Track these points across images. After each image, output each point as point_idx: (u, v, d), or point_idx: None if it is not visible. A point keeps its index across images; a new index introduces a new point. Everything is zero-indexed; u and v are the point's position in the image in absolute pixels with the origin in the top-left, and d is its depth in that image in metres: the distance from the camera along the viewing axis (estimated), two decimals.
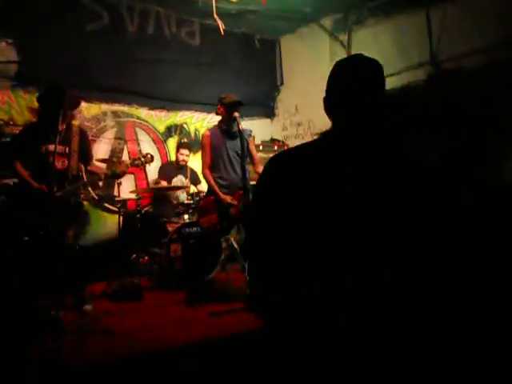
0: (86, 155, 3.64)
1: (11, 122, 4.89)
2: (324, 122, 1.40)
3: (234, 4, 5.19)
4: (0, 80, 4.91)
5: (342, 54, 6.09)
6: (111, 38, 5.55)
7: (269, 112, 7.04)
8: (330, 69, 1.42)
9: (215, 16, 4.47)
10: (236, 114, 3.69)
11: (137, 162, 3.61)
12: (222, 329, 3.03)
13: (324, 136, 1.37)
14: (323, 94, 1.41)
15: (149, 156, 3.64)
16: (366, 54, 1.41)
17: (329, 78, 1.40)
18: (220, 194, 3.88)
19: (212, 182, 3.93)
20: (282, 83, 7.08)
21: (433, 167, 1.32)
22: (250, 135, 4.10)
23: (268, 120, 7.04)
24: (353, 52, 5.97)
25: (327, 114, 1.39)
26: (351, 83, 1.34)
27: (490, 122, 4.24)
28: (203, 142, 4.03)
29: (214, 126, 4.14)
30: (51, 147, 3.29)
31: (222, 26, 4.59)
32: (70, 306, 3.49)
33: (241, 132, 3.61)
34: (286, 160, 1.36)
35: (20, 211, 3.40)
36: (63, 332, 3.02)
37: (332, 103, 1.38)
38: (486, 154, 4.22)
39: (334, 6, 5.75)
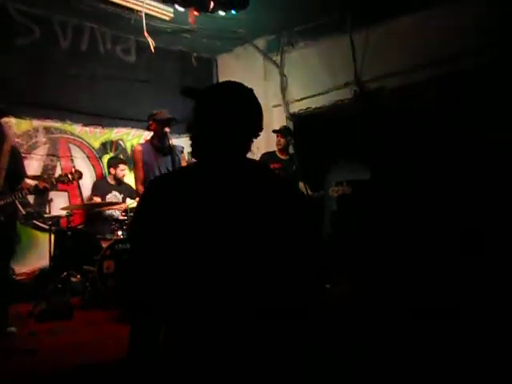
0: (16, 174, 3.49)
1: None
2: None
3: (168, 22, 5.29)
4: None
5: (275, 74, 6.34)
6: (43, 53, 5.45)
7: None
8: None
9: (146, 34, 4.53)
10: (167, 130, 3.75)
11: (63, 178, 3.52)
12: None
13: (198, 164, 1.41)
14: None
15: (76, 172, 3.57)
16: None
17: (196, 106, 1.39)
18: None
19: None
20: None
21: (289, 186, 1.49)
22: (182, 151, 4.16)
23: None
24: (285, 71, 6.24)
25: (195, 142, 1.41)
26: (219, 119, 1.34)
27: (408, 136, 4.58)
28: (135, 157, 4.05)
29: (146, 141, 4.18)
30: None
31: (152, 44, 4.67)
32: None
33: (172, 148, 3.67)
34: (162, 183, 1.38)
35: None
36: None
37: (200, 130, 1.39)
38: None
39: (267, 27, 5.98)
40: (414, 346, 2.79)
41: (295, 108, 6.20)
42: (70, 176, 3.51)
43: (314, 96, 5.78)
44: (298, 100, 6.10)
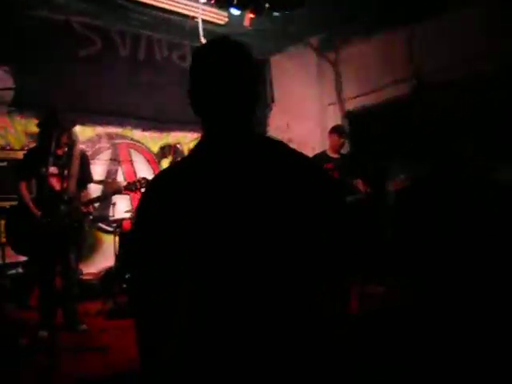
0: (84, 178, 3.73)
1: (8, 147, 5.01)
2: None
3: (223, 27, 5.36)
4: None
5: (329, 72, 6.26)
6: (104, 63, 5.69)
7: (261, 129, 7.17)
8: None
9: (202, 40, 4.61)
10: None
11: (131, 186, 3.68)
12: None
13: (198, 148, 1.19)
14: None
15: (143, 181, 3.71)
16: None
17: (189, 70, 1.18)
18: None
19: None
20: (273, 101, 7.23)
21: (312, 166, 1.18)
22: None
23: None
24: (340, 69, 6.15)
25: (194, 113, 1.20)
26: (214, 82, 1.12)
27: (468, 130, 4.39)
28: None
29: None
30: (51, 169, 3.40)
31: None
32: (65, 326, 3.55)
33: None
34: (162, 181, 1.20)
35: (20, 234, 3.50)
36: (59, 350, 3.07)
37: (196, 103, 1.18)
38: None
39: (320, 25, 5.92)
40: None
41: (350, 106, 6.11)
42: (137, 184, 3.64)
43: (369, 93, 5.66)
44: (354, 98, 6.00)
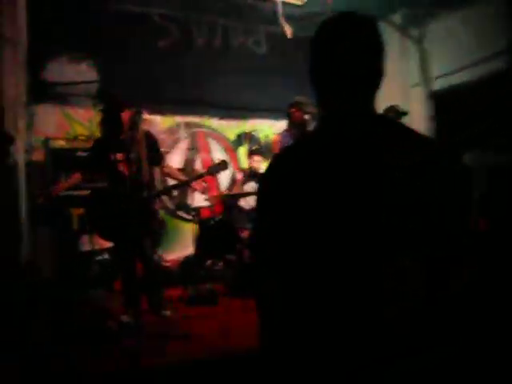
0: (155, 156, 3.64)
1: (93, 138, 5.23)
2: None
3: (299, 7, 5.18)
4: (83, 99, 5.26)
5: (412, 50, 5.85)
6: (181, 52, 5.76)
7: None
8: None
9: (282, 21, 4.47)
10: (307, 118, 3.69)
11: (211, 170, 3.59)
12: None
13: (323, 126, 1.14)
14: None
15: (223, 163, 3.61)
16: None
17: (312, 44, 1.13)
18: None
19: None
20: None
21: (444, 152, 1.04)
22: None
23: None
24: (425, 46, 5.73)
25: (316, 90, 1.14)
26: (342, 57, 1.06)
27: None
28: (274, 148, 4.03)
29: (285, 130, 4.13)
30: (119, 156, 3.43)
31: (289, 31, 4.57)
32: (150, 311, 3.62)
33: None
34: (285, 159, 1.16)
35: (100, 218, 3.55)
36: (143, 335, 3.14)
37: (320, 79, 1.13)
38: None
39: (402, 0, 5.55)
40: None
41: (436, 86, 5.67)
42: (218, 167, 3.54)
43: (459, 71, 5.20)
44: (440, 76, 5.56)
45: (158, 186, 4.06)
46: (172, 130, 5.80)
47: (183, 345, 3.02)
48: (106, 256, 4.71)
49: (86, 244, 4.67)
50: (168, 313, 3.62)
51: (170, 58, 5.67)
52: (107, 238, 3.63)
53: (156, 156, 3.64)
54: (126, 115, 3.44)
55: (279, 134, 4.10)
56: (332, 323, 1.00)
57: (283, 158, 1.16)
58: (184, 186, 3.95)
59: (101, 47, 5.25)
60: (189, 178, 3.74)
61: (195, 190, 3.90)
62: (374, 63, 1.08)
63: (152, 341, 3.00)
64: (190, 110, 5.87)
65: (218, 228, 4.86)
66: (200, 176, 3.60)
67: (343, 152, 1.03)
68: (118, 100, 3.43)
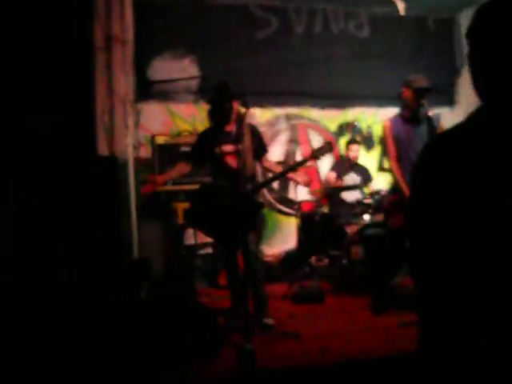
0: (259, 150, 3.49)
1: (195, 133, 5.28)
2: None
3: None
4: (185, 95, 5.34)
5: None
6: (280, 42, 5.62)
7: (448, 100, 6.32)
8: None
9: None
10: (423, 102, 3.32)
11: (316, 153, 3.33)
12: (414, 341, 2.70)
13: (481, 115, 1.03)
14: None
15: (327, 144, 3.33)
16: None
17: (474, 30, 1.01)
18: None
19: (399, 176, 3.57)
20: (462, 65, 6.30)
21: None
22: (439, 121, 3.64)
23: (446, 109, 6.31)
24: None
25: (475, 80, 1.04)
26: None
27: None
28: (384, 134, 3.71)
29: (395, 115, 3.79)
30: (225, 148, 3.33)
31: (401, 5, 4.20)
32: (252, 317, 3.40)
33: (430, 118, 3.22)
34: (437, 147, 1.07)
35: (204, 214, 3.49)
36: (252, 334, 3.03)
37: (483, 66, 1.02)
38: None
39: None
40: None
41: None
42: (323, 150, 3.29)
43: None
44: None
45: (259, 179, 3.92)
46: (272, 123, 5.68)
47: (296, 346, 2.87)
48: (210, 250, 4.73)
49: (190, 238, 4.72)
50: (271, 321, 3.33)
51: (269, 48, 5.55)
52: (211, 235, 3.57)
53: (260, 150, 3.50)
54: (234, 106, 3.35)
55: (389, 119, 3.75)
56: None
57: (439, 146, 1.06)
58: (286, 177, 3.74)
59: (202, 42, 5.28)
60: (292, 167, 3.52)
61: (298, 183, 3.71)
62: None
63: (262, 341, 2.88)
64: (289, 101, 5.70)
65: (322, 222, 4.66)
66: (304, 161, 3.37)
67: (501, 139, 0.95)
68: (228, 90, 3.34)
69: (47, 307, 3.19)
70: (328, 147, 3.28)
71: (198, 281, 4.50)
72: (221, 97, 3.32)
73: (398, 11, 4.30)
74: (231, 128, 3.40)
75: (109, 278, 3.42)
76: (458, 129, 1.07)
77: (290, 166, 3.29)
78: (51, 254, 3.40)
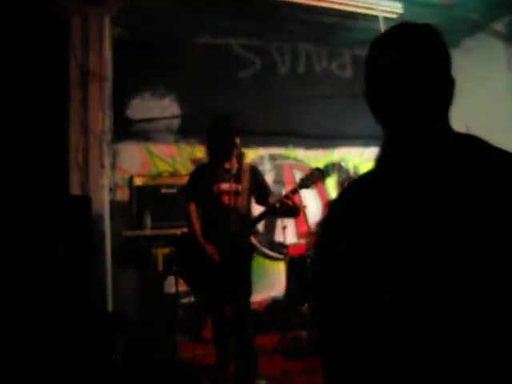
0: (262, 191, 3.21)
1: (176, 174, 5.02)
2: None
3: (393, 20, 4.77)
4: (165, 135, 5.12)
5: None
6: (264, 82, 5.52)
7: None
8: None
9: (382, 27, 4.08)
10: None
11: (305, 182, 3.02)
12: None
13: (390, 152, 0.98)
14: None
15: (316, 170, 3.03)
16: None
17: (368, 64, 1.01)
18: None
19: None
20: None
21: None
22: None
23: None
24: None
25: (374, 113, 1.02)
26: (404, 73, 0.94)
27: None
28: None
29: None
30: (223, 186, 3.06)
31: None
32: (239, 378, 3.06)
33: None
34: (356, 189, 1.00)
35: (188, 267, 3.19)
36: None
37: (379, 100, 1.00)
38: None
39: (505, 6, 4.96)
40: None
41: None
42: (311, 177, 3.00)
43: None
44: None
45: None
46: (256, 163, 5.48)
47: None
48: (192, 299, 4.35)
49: (171, 286, 4.35)
50: (263, 382, 3.00)
51: (252, 88, 5.43)
52: (197, 290, 3.26)
53: (263, 191, 3.23)
54: (237, 141, 3.10)
55: None
56: None
57: (358, 192, 0.99)
58: (275, 216, 3.47)
59: (183, 81, 5.11)
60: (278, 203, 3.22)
61: (291, 208, 3.36)
62: (443, 76, 0.96)
63: None
64: (274, 141, 5.54)
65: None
66: (293, 192, 3.10)
67: (421, 178, 0.89)
68: (230, 124, 3.10)
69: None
70: (317, 174, 2.97)
71: (180, 334, 4.08)
72: (223, 130, 3.07)
73: None
74: (230, 166, 3.13)
75: (78, 334, 3.02)
76: (366, 176, 1.00)
77: (280, 198, 2.98)
78: (11, 304, 3.00)
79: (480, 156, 0.90)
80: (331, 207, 1.05)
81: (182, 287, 4.21)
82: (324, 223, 1.04)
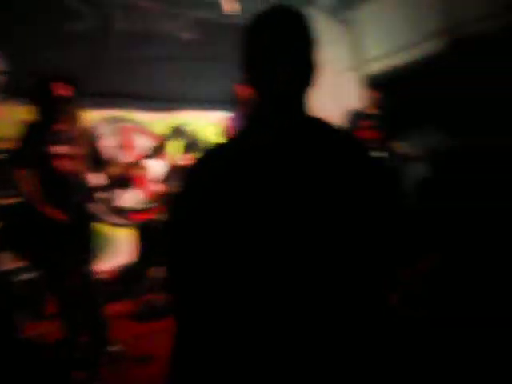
0: (97, 156, 3.02)
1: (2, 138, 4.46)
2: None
3: None
4: None
5: (345, 35, 5.79)
6: (99, 40, 5.12)
7: None
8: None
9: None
10: None
11: (155, 151, 2.95)
12: None
13: (252, 123, 1.11)
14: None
15: (161, 141, 2.96)
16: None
17: (246, 39, 1.12)
18: None
19: None
20: None
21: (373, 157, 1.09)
22: None
23: None
24: (358, 30, 5.67)
25: (252, 86, 1.13)
26: (270, 55, 1.06)
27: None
28: (227, 134, 3.66)
29: (235, 113, 3.76)
30: (58, 149, 2.77)
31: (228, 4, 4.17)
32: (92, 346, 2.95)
33: None
34: (211, 161, 1.09)
35: (26, 241, 2.94)
36: (98, 366, 2.66)
37: (251, 78, 1.12)
38: None
39: None
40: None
41: (371, 69, 5.66)
42: (160, 146, 2.95)
43: (395, 53, 5.19)
44: (375, 60, 5.54)
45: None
46: (92, 126, 5.16)
47: (152, 369, 2.60)
48: (32, 275, 4.02)
49: (5, 262, 3.94)
50: (117, 347, 2.94)
51: (84, 45, 5.00)
52: (34, 261, 3.03)
53: (98, 158, 3.03)
54: (65, 92, 2.81)
55: (230, 117, 3.69)
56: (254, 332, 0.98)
57: (213, 155, 1.09)
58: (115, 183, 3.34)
59: (8, 35, 4.46)
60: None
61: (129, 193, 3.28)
62: (303, 54, 1.07)
63: (112, 373, 2.54)
64: (110, 104, 5.25)
65: (160, 231, 4.40)
66: (134, 164, 3.03)
67: (265, 157, 1.01)
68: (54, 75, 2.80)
69: None
70: (162, 143, 2.98)
71: (19, 313, 3.76)
72: (49, 91, 2.75)
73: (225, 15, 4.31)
74: (64, 126, 2.84)
75: None
76: (227, 144, 1.10)
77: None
78: None
79: (319, 133, 1.06)
80: (193, 167, 1.11)
81: (20, 263, 3.87)
82: (187, 177, 1.11)
